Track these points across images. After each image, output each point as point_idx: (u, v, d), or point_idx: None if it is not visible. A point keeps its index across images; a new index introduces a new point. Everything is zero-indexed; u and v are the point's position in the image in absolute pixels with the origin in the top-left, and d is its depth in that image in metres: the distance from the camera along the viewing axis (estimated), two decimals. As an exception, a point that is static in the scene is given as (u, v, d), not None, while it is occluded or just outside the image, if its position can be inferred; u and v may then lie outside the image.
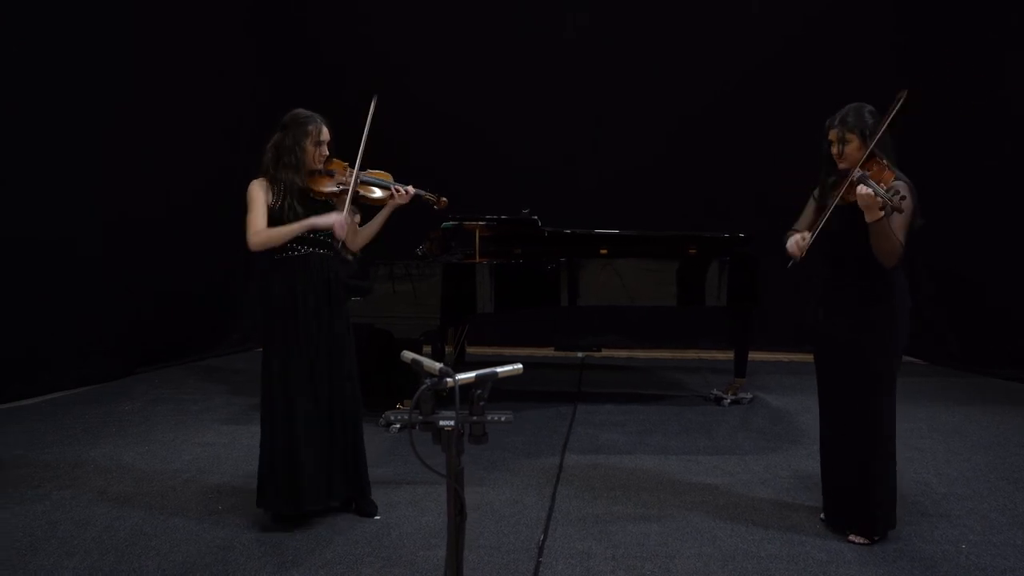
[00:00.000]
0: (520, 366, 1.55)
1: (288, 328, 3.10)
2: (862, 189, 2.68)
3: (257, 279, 3.29)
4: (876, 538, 2.99)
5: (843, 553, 2.92)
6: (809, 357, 6.87)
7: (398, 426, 4.54)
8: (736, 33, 6.83)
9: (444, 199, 3.53)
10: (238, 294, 7.31)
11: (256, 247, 3.06)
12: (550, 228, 4.97)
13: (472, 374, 1.40)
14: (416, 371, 1.47)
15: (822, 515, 3.23)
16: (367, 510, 3.29)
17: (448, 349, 5.61)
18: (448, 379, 1.36)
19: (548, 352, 7.25)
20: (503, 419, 1.41)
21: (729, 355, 5.51)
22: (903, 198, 2.63)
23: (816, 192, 3.15)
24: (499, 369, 1.47)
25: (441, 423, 1.36)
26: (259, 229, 3.05)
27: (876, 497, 2.95)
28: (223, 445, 4.28)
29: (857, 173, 2.79)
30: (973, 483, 3.67)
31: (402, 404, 4.64)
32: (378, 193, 3.31)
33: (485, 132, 7.12)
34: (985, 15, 6.14)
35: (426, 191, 3.44)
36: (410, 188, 3.33)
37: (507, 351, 7.21)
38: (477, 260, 4.72)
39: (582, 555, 2.92)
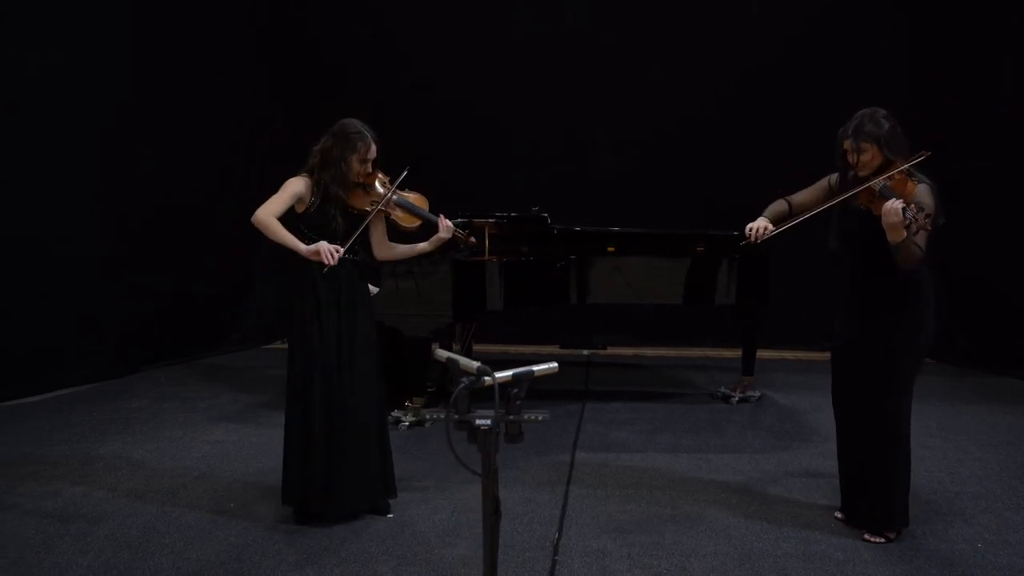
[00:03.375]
0: (555, 365, 1.54)
1: (312, 327, 3.11)
2: (889, 207, 2.64)
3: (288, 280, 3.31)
4: (892, 536, 2.99)
5: (860, 552, 2.92)
6: (815, 355, 6.91)
7: (407, 424, 4.53)
8: (738, 32, 6.80)
9: (473, 239, 3.56)
10: (239, 293, 7.29)
11: (256, 221, 3.07)
12: (559, 226, 4.96)
13: (509, 372, 1.39)
14: (452, 370, 1.46)
15: (837, 513, 3.23)
16: (380, 507, 3.28)
17: (455, 347, 5.60)
18: (486, 378, 1.35)
19: (553, 350, 7.22)
20: (540, 418, 1.40)
21: (736, 353, 5.50)
22: (928, 216, 2.60)
23: (834, 178, 3.14)
24: (535, 368, 1.46)
25: (477, 422, 1.35)
26: (271, 212, 3.06)
27: (895, 495, 2.95)
28: (232, 443, 4.27)
29: (879, 183, 2.78)
30: (986, 482, 3.67)
31: (410, 402, 4.62)
32: (410, 222, 3.30)
33: (490, 130, 7.09)
34: (985, 15, 6.15)
35: (456, 229, 3.37)
36: (448, 223, 3.30)
37: (512, 349, 7.20)
38: (487, 258, 4.70)
39: (597, 553, 2.91)
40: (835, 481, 3.40)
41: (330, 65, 7.26)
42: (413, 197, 3.33)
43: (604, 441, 4.35)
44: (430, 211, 3.34)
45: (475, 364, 1.40)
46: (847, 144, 2.91)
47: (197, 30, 6.43)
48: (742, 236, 5.10)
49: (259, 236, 6.23)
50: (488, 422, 1.33)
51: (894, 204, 2.64)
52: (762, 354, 5.49)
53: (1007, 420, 4.76)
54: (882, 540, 2.98)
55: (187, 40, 6.33)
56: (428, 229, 3.35)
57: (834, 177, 3.14)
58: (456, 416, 1.34)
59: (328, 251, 3.01)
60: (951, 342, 6.38)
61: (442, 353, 1.56)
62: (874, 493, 2.98)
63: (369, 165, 3.16)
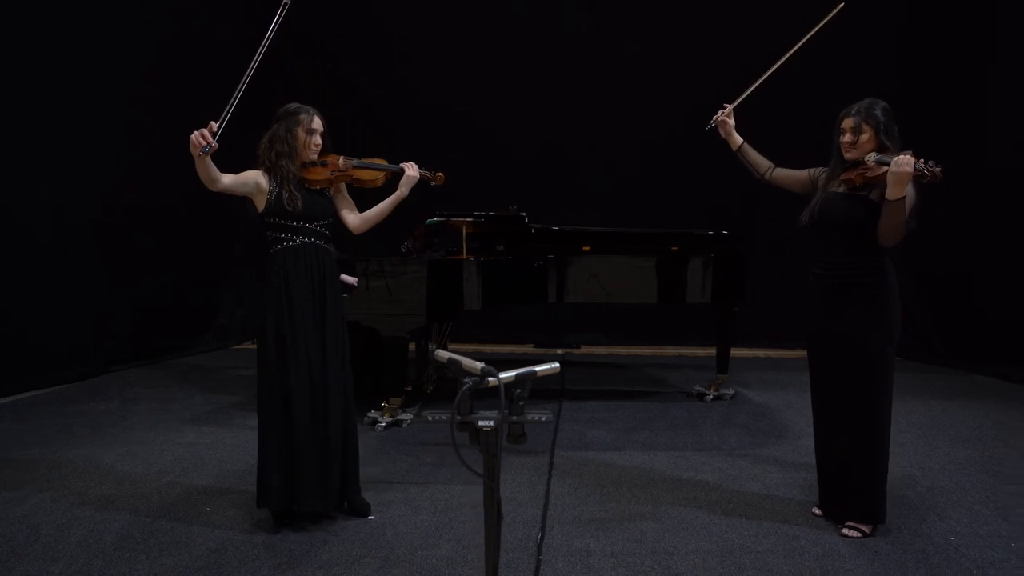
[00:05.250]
0: (557, 365, 1.54)
1: (283, 319, 3.06)
2: (902, 157, 2.71)
3: (258, 273, 3.25)
4: (868, 530, 3.04)
5: (837, 547, 2.96)
6: (785, 353, 6.99)
7: (383, 425, 4.49)
8: (732, 32, 6.86)
9: (440, 174, 3.48)
10: (213, 293, 7.19)
11: (207, 179, 2.90)
12: (537, 225, 4.96)
13: (513, 373, 1.38)
14: (454, 370, 1.44)
15: (814, 509, 3.27)
16: (360, 509, 3.25)
17: (431, 346, 5.57)
18: (491, 378, 1.34)
19: (527, 349, 7.25)
20: (543, 419, 1.39)
21: (707, 351, 5.54)
22: (937, 164, 2.69)
23: (816, 171, 3.22)
24: (537, 368, 1.46)
25: (480, 423, 1.33)
26: (222, 175, 2.95)
27: (878, 486, 3.02)
28: (206, 445, 4.19)
29: (873, 156, 2.85)
30: (955, 476, 3.75)
31: (387, 403, 4.58)
32: (374, 177, 3.30)
33: (472, 131, 7.10)
34: (966, 22, 6.32)
35: (422, 168, 3.40)
36: (413, 164, 3.32)
37: (487, 348, 7.19)
38: (464, 257, 4.68)
39: (581, 553, 2.91)
40: (811, 477, 3.45)
41: (314, 63, 7.19)
42: (372, 159, 3.33)
43: (582, 440, 4.35)
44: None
45: (479, 365, 1.38)
46: (848, 123, 2.98)
47: (182, 26, 6.35)
48: (718, 236, 5.20)
49: (232, 236, 6.16)
50: (491, 423, 1.32)
51: (906, 156, 2.72)
52: (734, 352, 5.55)
53: (974, 416, 4.87)
54: (859, 535, 3.03)
55: (169, 35, 6.24)
56: (396, 183, 3.32)
57: (817, 171, 3.22)
58: (459, 417, 1.32)
59: (199, 132, 2.77)
60: (922, 340, 6.53)
61: (443, 354, 1.54)
62: (857, 487, 3.03)
63: (317, 137, 3.14)
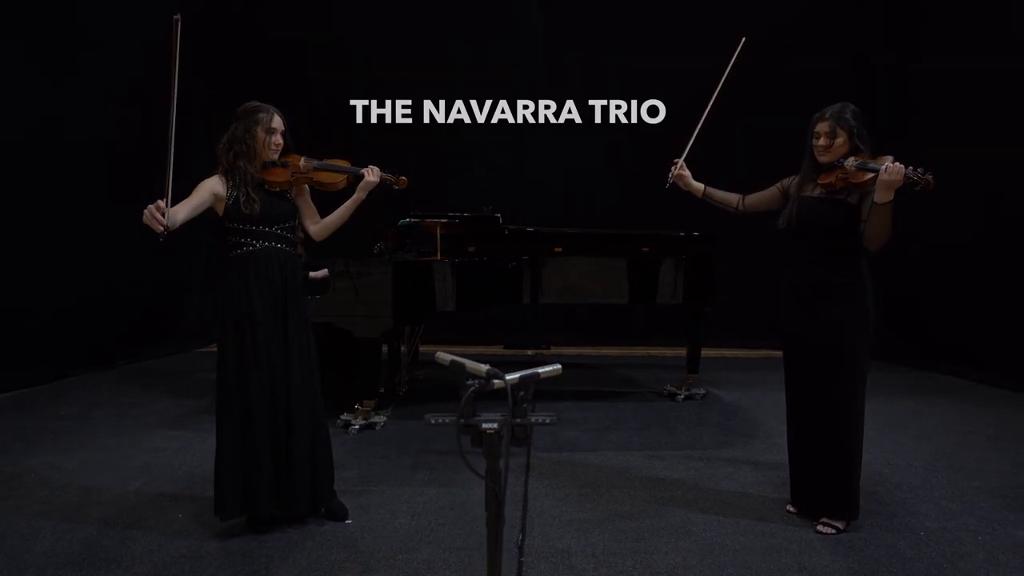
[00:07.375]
0: (559, 366, 1.53)
1: (244, 326, 2.99)
2: (893, 166, 2.73)
3: (220, 277, 3.16)
4: (842, 527, 3.10)
5: (814, 544, 3.01)
6: (752, 353, 7.08)
7: (357, 427, 4.44)
8: (705, 35, 6.92)
9: (404, 178, 3.41)
10: (178, 294, 7.03)
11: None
12: (512, 226, 4.95)
13: (516, 375, 1.37)
14: (457, 372, 1.43)
15: (789, 506, 3.32)
16: (337, 513, 3.20)
17: (403, 348, 5.53)
18: (496, 380, 1.33)
19: (497, 350, 7.24)
20: (548, 421, 1.38)
21: (676, 351, 5.59)
22: (927, 171, 2.72)
23: (786, 182, 3.27)
24: (540, 369, 1.45)
25: (484, 425, 1.32)
26: (175, 211, 2.82)
27: (853, 483, 3.08)
28: (173, 451, 4.09)
29: (854, 161, 2.89)
30: (922, 472, 3.84)
31: (360, 405, 4.53)
32: (334, 179, 3.21)
33: (440, 128, 7.07)
34: (907, 33, 6.51)
35: (385, 172, 3.32)
36: (375, 168, 3.23)
37: (456, 350, 7.13)
38: (438, 258, 4.65)
39: (563, 554, 2.91)
40: (783, 474, 3.50)
41: (276, 56, 7.07)
42: (334, 161, 3.25)
43: (557, 441, 4.36)
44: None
45: (483, 367, 1.37)
46: (823, 126, 3.01)
47: (154, 26, 6.20)
48: (688, 237, 5.26)
49: (196, 235, 5.97)
50: (494, 425, 1.31)
51: (896, 164, 2.75)
52: (702, 352, 5.60)
53: (935, 412, 5.02)
54: (833, 531, 3.09)
55: (151, 34, 6.09)
56: (357, 185, 3.22)
57: (786, 181, 3.26)
58: (463, 420, 1.31)
59: (149, 212, 2.69)
60: (884, 340, 6.69)
61: (445, 356, 1.52)
62: (832, 484, 3.08)
63: (278, 136, 3.06)
